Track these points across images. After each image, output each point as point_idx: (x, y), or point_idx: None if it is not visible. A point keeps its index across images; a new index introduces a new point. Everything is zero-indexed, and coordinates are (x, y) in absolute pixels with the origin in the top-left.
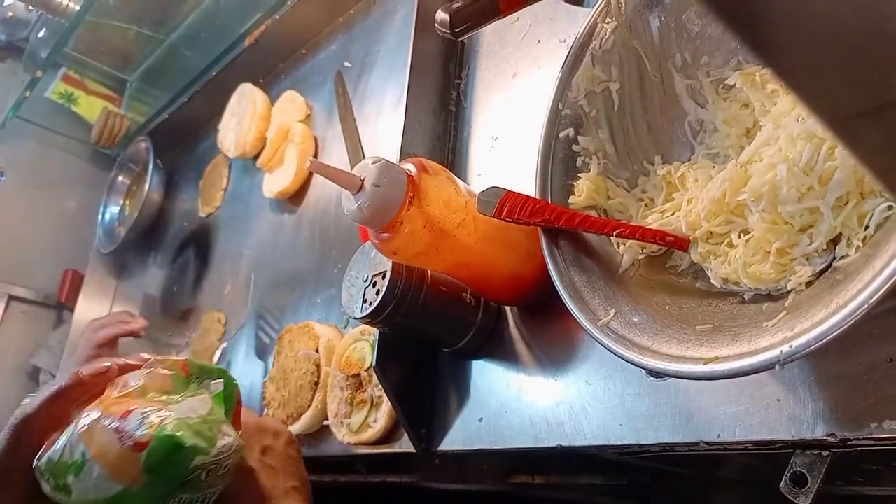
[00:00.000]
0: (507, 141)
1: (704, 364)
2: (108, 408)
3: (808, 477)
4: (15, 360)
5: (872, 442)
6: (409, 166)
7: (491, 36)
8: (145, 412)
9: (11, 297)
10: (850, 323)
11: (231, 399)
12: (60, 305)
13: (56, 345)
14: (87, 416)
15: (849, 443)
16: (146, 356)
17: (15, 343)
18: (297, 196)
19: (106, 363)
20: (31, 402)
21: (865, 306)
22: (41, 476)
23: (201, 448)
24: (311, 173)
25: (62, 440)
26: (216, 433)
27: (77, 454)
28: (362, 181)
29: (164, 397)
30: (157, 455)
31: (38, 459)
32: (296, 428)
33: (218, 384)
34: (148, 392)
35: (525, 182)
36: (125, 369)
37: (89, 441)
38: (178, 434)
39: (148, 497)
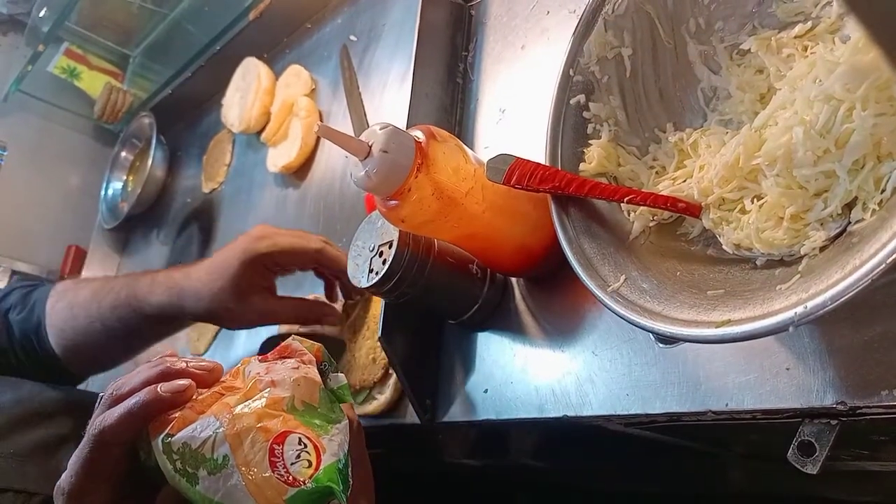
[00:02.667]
0: (514, 113)
1: (717, 327)
2: (261, 417)
3: (817, 446)
4: None
5: (883, 410)
6: (418, 133)
7: (499, 7)
8: (303, 443)
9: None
10: (866, 283)
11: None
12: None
13: None
14: (237, 418)
15: (858, 411)
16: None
17: None
18: (301, 171)
19: (184, 382)
20: (109, 414)
21: (883, 266)
22: (166, 453)
23: (340, 495)
24: (315, 147)
25: (203, 429)
26: (348, 475)
27: (219, 454)
28: (370, 147)
29: (318, 422)
30: (305, 497)
31: (170, 436)
32: None
33: (343, 390)
34: (296, 405)
35: (533, 155)
36: (204, 381)
37: (236, 447)
38: (334, 486)
39: None
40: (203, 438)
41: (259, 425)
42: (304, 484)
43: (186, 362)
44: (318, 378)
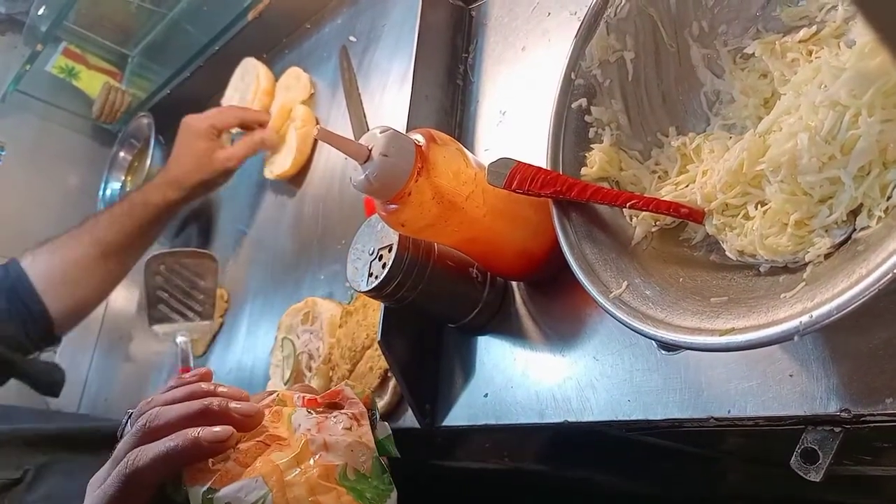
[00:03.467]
0: (515, 115)
1: (720, 336)
2: (314, 489)
3: (820, 453)
4: None
5: (887, 417)
6: (418, 137)
7: (500, 9)
8: None
9: None
10: (873, 293)
11: None
12: None
13: None
14: (288, 487)
15: (862, 419)
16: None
17: None
18: (296, 178)
19: (226, 431)
20: (143, 453)
21: (890, 275)
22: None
23: None
24: (311, 155)
25: (250, 491)
26: None
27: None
28: (370, 151)
29: (369, 496)
30: None
31: (213, 490)
32: None
33: (387, 442)
34: (349, 473)
35: (534, 157)
36: (245, 427)
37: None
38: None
39: None
40: (250, 502)
41: (311, 499)
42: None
43: (225, 397)
44: (372, 444)
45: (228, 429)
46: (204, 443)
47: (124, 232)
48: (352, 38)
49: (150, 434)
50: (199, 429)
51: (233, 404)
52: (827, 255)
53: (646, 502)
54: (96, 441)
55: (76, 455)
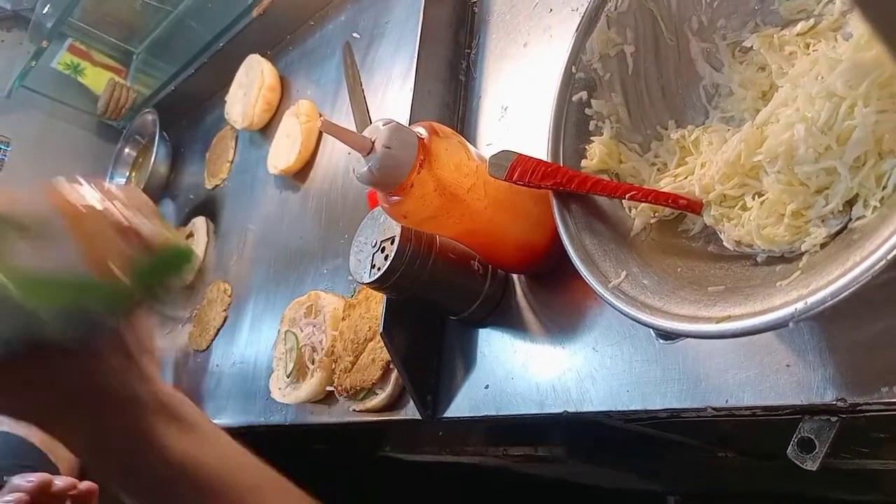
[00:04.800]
0: (516, 111)
1: (717, 323)
2: None
3: (816, 442)
4: None
5: (882, 407)
6: (420, 129)
7: (502, 5)
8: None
9: None
10: (866, 280)
11: None
12: None
13: None
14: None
15: (858, 408)
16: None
17: None
18: (300, 173)
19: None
20: None
21: (883, 262)
22: None
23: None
24: (315, 150)
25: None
26: None
27: (41, 226)
28: (373, 143)
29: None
30: (160, 265)
31: None
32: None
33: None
34: None
35: (535, 151)
36: None
37: (75, 219)
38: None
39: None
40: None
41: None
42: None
43: None
44: None
45: None
46: None
47: None
48: (355, 35)
49: None
50: None
51: None
52: (823, 245)
53: (645, 497)
54: None
55: None
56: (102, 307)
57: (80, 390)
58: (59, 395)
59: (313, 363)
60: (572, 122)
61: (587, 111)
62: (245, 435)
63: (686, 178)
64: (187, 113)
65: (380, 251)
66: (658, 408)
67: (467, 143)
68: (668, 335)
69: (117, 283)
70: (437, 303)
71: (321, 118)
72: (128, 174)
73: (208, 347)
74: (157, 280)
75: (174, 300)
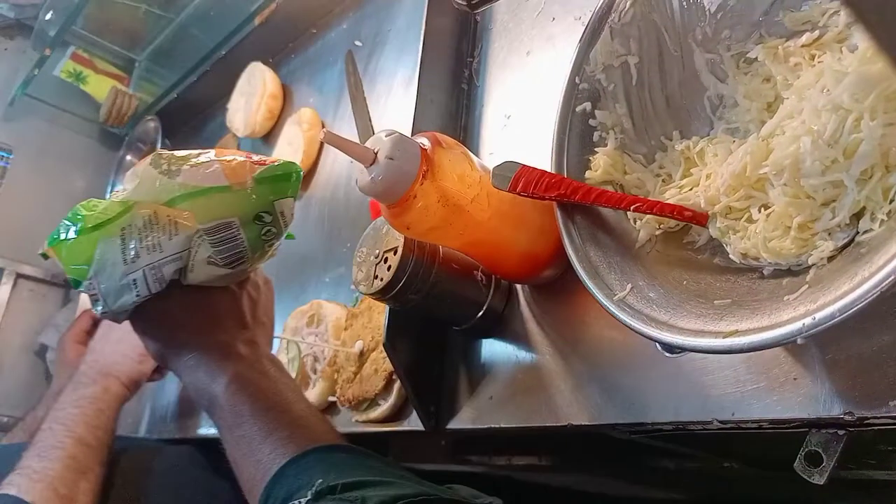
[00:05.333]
0: (520, 119)
1: (724, 338)
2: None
3: (824, 456)
4: (23, 337)
5: (890, 420)
6: (424, 140)
7: (504, 13)
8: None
9: (19, 276)
10: (875, 295)
11: None
12: (68, 284)
13: (63, 323)
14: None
15: (866, 421)
16: None
17: (23, 321)
18: (303, 181)
19: None
20: None
21: (892, 277)
22: (154, 159)
23: (295, 189)
24: (318, 157)
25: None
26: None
27: (204, 157)
28: (376, 154)
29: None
30: (270, 171)
31: (157, 150)
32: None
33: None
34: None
35: (539, 161)
36: None
37: (219, 154)
38: (294, 165)
39: (240, 202)
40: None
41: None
42: (269, 164)
43: None
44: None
45: None
46: None
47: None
48: (357, 43)
49: None
50: None
51: None
52: (830, 258)
53: None
54: None
55: None
56: (238, 212)
57: (194, 331)
58: (179, 331)
59: (315, 373)
60: (576, 133)
61: (591, 122)
62: None
63: (691, 189)
64: (189, 120)
65: (382, 262)
66: (664, 420)
67: (470, 154)
68: (673, 349)
69: (245, 188)
70: (440, 313)
71: (324, 130)
72: None
73: None
74: (274, 188)
75: (287, 214)
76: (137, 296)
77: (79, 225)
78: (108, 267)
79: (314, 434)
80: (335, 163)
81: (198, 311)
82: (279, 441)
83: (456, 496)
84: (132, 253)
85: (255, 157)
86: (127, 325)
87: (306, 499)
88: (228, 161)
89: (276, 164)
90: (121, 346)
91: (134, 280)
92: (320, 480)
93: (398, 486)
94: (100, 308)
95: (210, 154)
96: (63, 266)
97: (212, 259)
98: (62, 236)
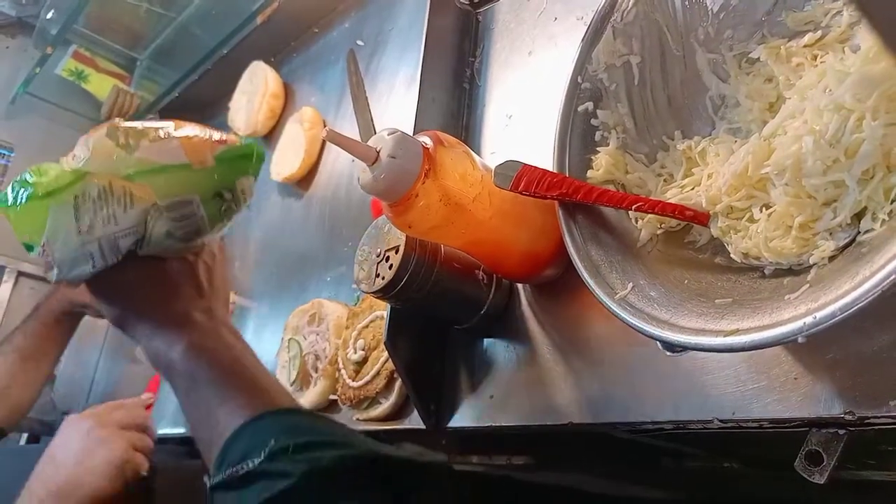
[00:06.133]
0: (521, 119)
1: (725, 336)
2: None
3: (824, 455)
4: None
5: (890, 420)
6: (426, 139)
7: (506, 13)
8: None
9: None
10: (876, 294)
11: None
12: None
13: None
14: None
15: (866, 421)
16: None
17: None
18: (304, 181)
19: None
20: None
21: (893, 276)
22: (110, 130)
23: (257, 169)
24: (318, 158)
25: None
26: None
27: (162, 132)
28: (378, 153)
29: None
30: (232, 151)
31: (113, 120)
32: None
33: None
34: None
35: (540, 160)
36: None
37: (178, 127)
38: (255, 145)
39: (201, 181)
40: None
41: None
42: (230, 143)
43: None
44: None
45: None
46: None
47: (35, 335)
48: (359, 42)
49: None
50: None
51: None
52: (831, 258)
53: None
54: None
55: None
56: (199, 191)
57: (155, 308)
58: (136, 300)
59: (316, 371)
60: (578, 133)
61: (593, 121)
62: None
63: (693, 189)
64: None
65: (384, 260)
66: (664, 419)
67: (472, 153)
68: (674, 348)
69: (206, 167)
70: (441, 312)
71: (326, 128)
72: None
73: None
74: (234, 168)
75: (247, 191)
76: (94, 267)
77: (29, 190)
78: (62, 235)
79: (269, 398)
80: (336, 162)
81: (155, 280)
82: (235, 405)
83: (403, 453)
84: (87, 223)
85: (217, 135)
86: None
87: (260, 459)
88: (189, 138)
89: (237, 144)
90: (88, 459)
91: (90, 252)
92: (273, 441)
93: (348, 447)
94: (55, 275)
95: (169, 127)
96: (14, 230)
97: (170, 233)
98: (11, 201)
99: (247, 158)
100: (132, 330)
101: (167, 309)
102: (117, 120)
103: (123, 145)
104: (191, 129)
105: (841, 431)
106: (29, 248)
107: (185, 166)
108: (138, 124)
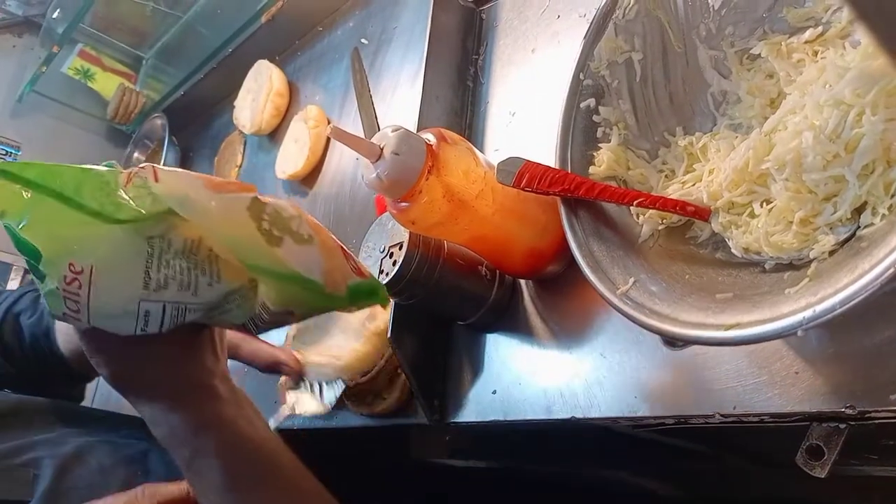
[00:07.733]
0: (524, 116)
1: (725, 330)
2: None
3: (825, 449)
4: None
5: (891, 414)
6: (429, 136)
7: (510, 11)
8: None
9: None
10: (875, 288)
11: None
12: None
13: None
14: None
15: (867, 415)
16: None
17: None
18: (308, 178)
19: None
20: None
21: (892, 269)
22: (255, 205)
23: (383, 299)
24: (323, 155)
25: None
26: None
27: (303, 228)
28: (381, 149)
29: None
30: (363, 288)
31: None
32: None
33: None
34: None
35: (543, 157)
36: None
37: (316, 231)
38: (382, 287)
39: (322, 303)
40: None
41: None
42: (367, 276)
43: None
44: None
45: None
46: None
47: None
48: (363, 41)
49: None
50: None
51: None
52: (831, 252)
53: (652, 502)
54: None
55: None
56: (313, 308)
57: (177, 376)
58: (154, 365)
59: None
60: (580, 129)
61: (595, 118)
62: None
63: (694, 184)
64: (196, 118)
65: (388, 257)
66: (666, 414)
67: (475, 150)
68: (673, 343)
69: (336, 295)
70: (444, 308)
71: (330, 125)
72: None
73: None
74: (359, 301)
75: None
76: (142, 330)
77: (104, 204)
78: (117, 278)
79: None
80: (341, 159)
81: (180, 345)
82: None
83: None
84: (161, 281)
85: (351, 258)
86: None
87: None
88: (328, 250)
89: (368, 279)
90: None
91: (146, 312)
92: None
93: None
94: (62, 312)
95: (304, 224)
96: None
97: (240, 323)
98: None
99: (372, 296)
100: (142, 399)
101: (191, 379)
102: (259, 195)
103: (266, 231)
104: (327, 237)
105: (842, 426)
106: (34, 255)
107: (318, 287)
108: (282, 208)
